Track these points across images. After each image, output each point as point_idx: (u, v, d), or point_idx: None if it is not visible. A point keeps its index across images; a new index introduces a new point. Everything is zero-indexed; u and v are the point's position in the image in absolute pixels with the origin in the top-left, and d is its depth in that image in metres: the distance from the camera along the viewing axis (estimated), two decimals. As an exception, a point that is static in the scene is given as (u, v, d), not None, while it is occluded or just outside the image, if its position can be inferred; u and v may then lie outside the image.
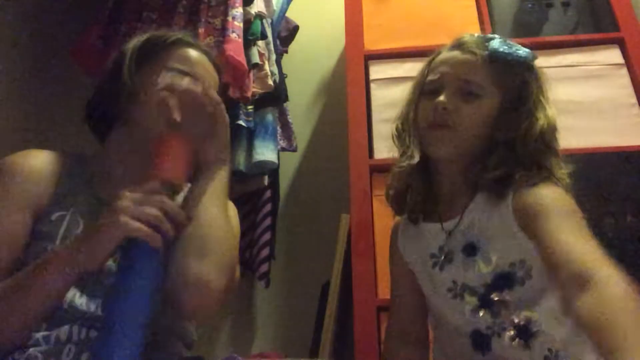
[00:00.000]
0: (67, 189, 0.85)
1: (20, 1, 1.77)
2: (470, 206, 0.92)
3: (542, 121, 0.92)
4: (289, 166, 2.03)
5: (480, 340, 0.86)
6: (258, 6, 1.65)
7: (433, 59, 1.02)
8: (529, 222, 0.83)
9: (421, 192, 0.97)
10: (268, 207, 1.76)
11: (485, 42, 0.97)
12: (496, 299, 0.86)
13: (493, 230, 0.88)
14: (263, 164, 1.66)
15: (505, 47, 0.95)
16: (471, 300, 0.88)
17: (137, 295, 0.70)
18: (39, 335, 0.72)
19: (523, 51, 0.97)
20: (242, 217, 1.60)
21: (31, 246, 0.80)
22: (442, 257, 0.92)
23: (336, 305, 1.49)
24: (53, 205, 0.83)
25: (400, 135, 1.01)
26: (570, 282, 0.70)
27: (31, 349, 0.71)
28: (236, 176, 1.65)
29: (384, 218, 1.49)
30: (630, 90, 1.55)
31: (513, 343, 0.83)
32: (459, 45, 0.99)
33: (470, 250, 0.90)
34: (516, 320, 0.84)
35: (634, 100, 1.53)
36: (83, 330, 0.73)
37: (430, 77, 0.98)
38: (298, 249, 1.94)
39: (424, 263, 0.96)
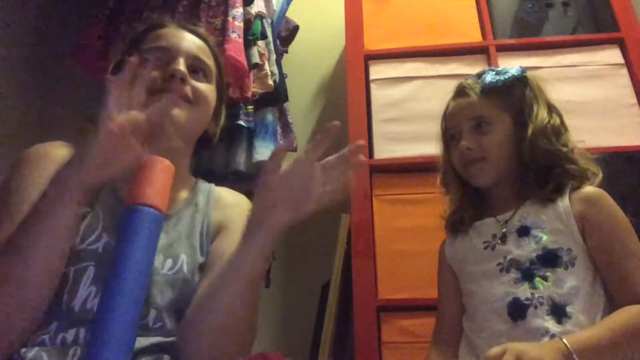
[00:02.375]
0: None
1: (21, 1, 1.77)
2: (524, 204, 1.03)
3: (541, 123, 1.03)
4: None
5: (517, 309, 0.93)
6: (258, 6, 1.65)
7: (445, 112, 1.14)
8: (594, 233, 0.95)
9: (473, 208, 1.10)
10: (268, 207, 1.75)
11: (478, 79, 1.09)
12: (538, 273, 0.94)
13: (546, 218, 0.99)
14: (263, 163, 1.66)
15: (495, 76, 1.07)
16: (516, 273, 0.96)
17: (136, 263, 0.70)
18: (46, 336, 0.72)
19: (512, 71, 1.08)
20: (242, 217, 1.60)
21: None
22: (497, 240, 1.02)
23: (336, 305, 1.49)
24: None
25: (444, 181, 1.15)
26: (625, 303, 0.89)
27: (37, 348, 0.71)
28: (236, 176, 1.66)
29: (384, 218, 1.49)
30: (630, 90, 1.55)
31: (546, 317, 0.90)
32: (459, 92, 1.11)
33: (524, 231, 1.00)
34: (554, 298, 0.92)
35: (634, 100, 1.54)
36: (90, 333, 0.73)
37: (449, 129, 1.12)
38: (298, 249, 1.94)
39: (475, 251, 1.04)
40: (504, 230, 1.02)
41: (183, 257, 0.84)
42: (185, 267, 0.83)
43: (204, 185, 0.97)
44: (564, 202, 0.98)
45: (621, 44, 1.61)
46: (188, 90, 0.86)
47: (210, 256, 0.87)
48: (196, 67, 0.89)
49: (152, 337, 0.76)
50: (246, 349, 0.78)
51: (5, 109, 1.64)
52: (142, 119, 0.71)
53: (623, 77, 1.57)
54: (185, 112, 0.86)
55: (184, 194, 0.93)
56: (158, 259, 0.81)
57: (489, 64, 1.61)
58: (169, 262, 0.82)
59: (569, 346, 0.81)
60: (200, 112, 0.89)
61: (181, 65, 0.86)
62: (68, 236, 0.71)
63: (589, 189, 0.99)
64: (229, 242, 0.86)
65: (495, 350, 0.79)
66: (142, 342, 0.74)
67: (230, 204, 0.95)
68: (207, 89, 0.90)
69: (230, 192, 0.99)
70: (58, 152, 0.85)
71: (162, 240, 0.82)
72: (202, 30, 0.97)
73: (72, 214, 0.70)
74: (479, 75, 1.10)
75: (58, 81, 1.85)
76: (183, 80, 0.85)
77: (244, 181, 1.69)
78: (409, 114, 1.60)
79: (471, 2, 1.75)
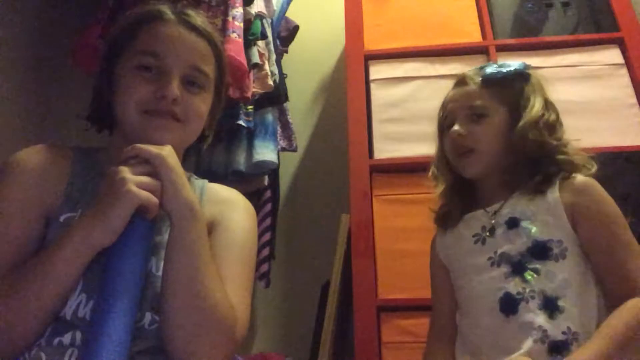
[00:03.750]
0: (76, 188, 0.82)
1: (21, 1, 1.77)
2: (513, 195, 1.02)
3: (534, 116, 1.02)
4: (289, 166, 2.03)
5: (509, 304, 0.92)
6: (258, 6, 1.65)
7: (443, 102, 1.14)
8: (585, 223, 0.94)
9: (462, 201, 1.09)
10: (268, 207, 1.76)
11: (480, 70, 1.09)
12: (529, 266, 0.93)
13: (535, 209, 0.98)
14: (263, 164, 1.66)
15: (497, 69, 1.07)
16: (506, 267, 0.96)
17: (130, 265, 0.71)
18: (42, 339, 0.72)
19: (514, 65, 1.08)
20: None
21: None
22: (486, 233, 1.01)
23: (336, 305, 1.49)
24: (62, 205, 0.80)
25: (436, 175, 1.14)
26: (621, 297, 0.88)
27: (35, 349, 0.71)
28: (236, 176, 1.66)
29: (384, 218, 1.49)
30: (630, 90, 1.55)
31: (538, 311, 0.89)
32: (459, 81, 1.11)
33: (513, 223, 0.98)
34: (545, 291, 0.91)
35: (634, 100, 1.54)
36: (86, 336, 0.72)
37: (445, 117, 1.11)
38: (298, 249, 1.94)
39: (465, 245, 1.04)
40: (492, 222, 1.01)
41: None
42: None
43: (198, 182, 0.96)
44: (553, 194, 0.97)
45: (621, 44, 1.61)
46: (179, 110, 0.83)
47: None
48: (192, 78, 0.85)
49: (148, 340, 0.75)
50: (225, 335, 0.75)
51: (5, 109, 1.64)
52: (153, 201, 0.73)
53: (623, 77, 1.57)
54: (175, 133, 0.84)
55: None
56: (152, 261, 0.80)
57: (489, 64, 1.61)
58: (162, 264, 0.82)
59: None
60: (191, 129, 0.87)
61: (174, 86, 0.82)
62: (68, 285, 0.72)
63: (578, 179, 0.98)
64: (223, 239, 0.85)
65: None
66: (138, 345, 0.73)
67: (223, 199, 0.93)
68: (200, 103, 0.87)
69: (224, 187, 0.97)
70: (32, 160, 0.83)
71: (157, 242, 0.81)
72: (203, 24, 0.89)
73: (76, 270, 0.72)
74: (481, 68, 1.10)
75: (58, 81, 1.85)
76: (175, 101, 0.82)
77: (244, 181, 1.69)
78: (409, 114, 1.60)
79: (471, 2, 1.75)
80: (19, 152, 0.84)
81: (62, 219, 0.79)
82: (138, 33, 0.86)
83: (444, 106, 1.13)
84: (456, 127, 1.04)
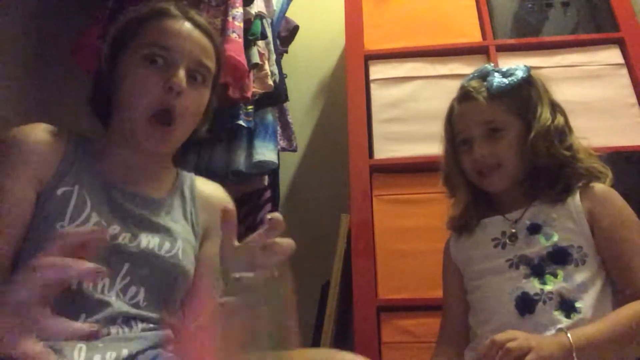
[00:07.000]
0: (70, 165, 0.83)
1: (21, 1, 1.77)
2: (534, 204, 1.02)
3: (544, 125, 1.01)
4: (289, 166, 2.03)
5: (526, 303, 0.93)
6: (258, 6, 1.65)
7: (449, 116, 1.12)
8: (600, 227, 0.95)
9: (480, 209, 1.08)
10: (268, 207, 1.75)
11: (484, 82, 1.06)
12: (547, 269, 0.94)
13: (557, 216, 0.98)
14: (263, 164, 1.66)
15: (502, 79, 1.04)
16: (525, 269, 0.96)
17: None
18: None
19: (517, 72, 1.05)
20: (242, 217, 1.60)
21: (40, 225, 0.77)
22: (506, 239, 1.01)
23: (336, 305, 1.49)
24: (57, 179, 0.80)
25: (449, 182, 1.13)
26: (631, 299, 0.89)
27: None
28: (236, 176, 1.66)
29: (384, 218, 1.49)
30: (630, 90, 1.55)
31: (555, 312, 0.90)
32: (465, 96, 1.08)
33: (534, 229, 0.99)
34: (563, 293, 0.91)
35: (634, 100, 1.54)
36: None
37: (457, 133, 1.09)
38: (298, 249, 1.93)
39: (483, 248, 1.04)
40: (513, 230, 1.01)
41: (179, 244, 0.85)
42: (180, 254, 0.84)
43: (185, 176, 0.98)
44: (574, 201, 0.98)
45: (621, 44, 1.61)
46: (179, 104, 0.84)
47: (199, 263, 0.89)
48: (196, 72, 0.87)
49: (147, 340, 0.76)
50: None
51: (5, 109, 1.64)
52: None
53: (623, 77, 1.57)
54: (170, 143, 0.86)
55: (169, 179, 0.94)
56: (154, 241, 0.81)
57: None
58: (167, 245, 0.83)
59: (571, 341, 0.81)
60: (185, 127, 0.87)
61: (181, 77, 0.83)
62: None
63: (597, 187, 0.99)
64: (216, 249, 0.86)
65: (501, 336, 0.80)
66: (137, 344, 0.74)
67: (215, 206, 0.93)
68: (199, 98, 0.88)
69: (210, 186, 0.99)
70: (28, 136, 0.82)
71: (160, 223, 0.84)
72: (205, 22, 0.93)
73: None
74: (483, 77, 1.08)
75: (58, 81, 1.85)
76: (179, 94, 0.83)
77: (244, 181, 1.69)
78: (409, 114, 1.60)
79: (471, 2, 1.75)
80: (15, 128, 0.84)
81: (59, 192, 0.79)
82: (144, 29, 0.88)
83: (451, 121, 1.11)
84: (478, 150, 1.03)
